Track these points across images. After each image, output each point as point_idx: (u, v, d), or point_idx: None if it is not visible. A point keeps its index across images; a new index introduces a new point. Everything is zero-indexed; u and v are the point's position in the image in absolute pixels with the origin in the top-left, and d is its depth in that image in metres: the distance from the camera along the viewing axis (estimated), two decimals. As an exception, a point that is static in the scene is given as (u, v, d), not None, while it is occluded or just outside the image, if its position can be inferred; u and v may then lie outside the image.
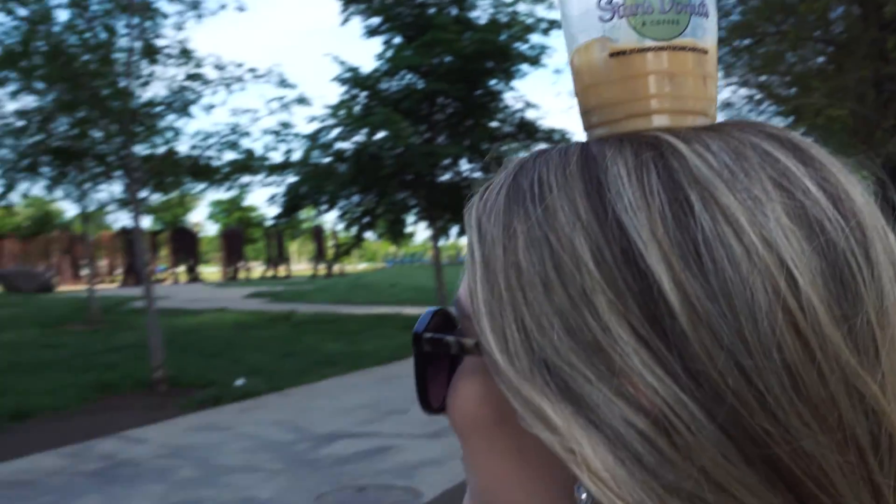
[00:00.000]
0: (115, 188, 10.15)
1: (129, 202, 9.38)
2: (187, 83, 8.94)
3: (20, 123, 8.85)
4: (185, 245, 35.48)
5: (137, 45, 8.45)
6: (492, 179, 0.38)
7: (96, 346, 13.13)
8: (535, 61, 13.69)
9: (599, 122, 0.36)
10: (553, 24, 12.81)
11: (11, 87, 8.51)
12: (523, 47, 13.44)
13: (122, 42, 8.41)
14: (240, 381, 9.31)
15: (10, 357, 11.68)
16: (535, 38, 13.37)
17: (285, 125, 10.08)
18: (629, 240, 0.31)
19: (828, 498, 0.30)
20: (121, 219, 17.61)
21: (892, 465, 0.30)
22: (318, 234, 42.18)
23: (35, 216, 35.86)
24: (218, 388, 8.85)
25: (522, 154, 0.38)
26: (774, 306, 0.29)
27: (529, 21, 13.15)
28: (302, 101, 10.10)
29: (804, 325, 0.29)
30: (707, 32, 0.35)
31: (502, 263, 0.33)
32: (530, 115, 14.37)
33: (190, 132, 9.56)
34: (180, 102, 9.01)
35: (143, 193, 9.39)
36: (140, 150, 9.12)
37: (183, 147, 9.54)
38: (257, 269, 44.60)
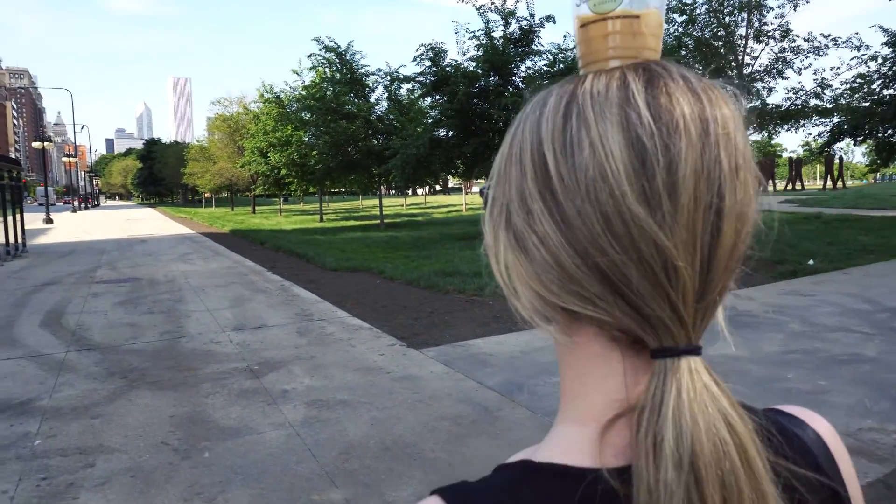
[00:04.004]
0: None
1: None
2: (783, 54, 11.86)
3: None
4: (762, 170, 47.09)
5: (749, 31, 11.75)
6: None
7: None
8: None
9: (581, 66, 0.51)
10: None
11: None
12: None
13: (741, 31, 11.79)
14: (811, 262, 10.86)
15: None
16: None
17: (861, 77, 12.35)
18: (541, 139, 0.48)
19: (634, 295, 0.44)
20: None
21: (679, 282, 0.44)
22: (829, 160, 51.35)
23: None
24: (792, 265, 10.50)
25: None
26: (597, 175, 0.44)
27: None
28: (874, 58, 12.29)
29: (613, 187, 0.44)
30: (644, 4, 0.48)
31: (507, 151, 0.52)
32: None
33: (785, 88, 12.60)
34: (776, 69, 12.02)
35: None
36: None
37: (774, 99, 12.74)
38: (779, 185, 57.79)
